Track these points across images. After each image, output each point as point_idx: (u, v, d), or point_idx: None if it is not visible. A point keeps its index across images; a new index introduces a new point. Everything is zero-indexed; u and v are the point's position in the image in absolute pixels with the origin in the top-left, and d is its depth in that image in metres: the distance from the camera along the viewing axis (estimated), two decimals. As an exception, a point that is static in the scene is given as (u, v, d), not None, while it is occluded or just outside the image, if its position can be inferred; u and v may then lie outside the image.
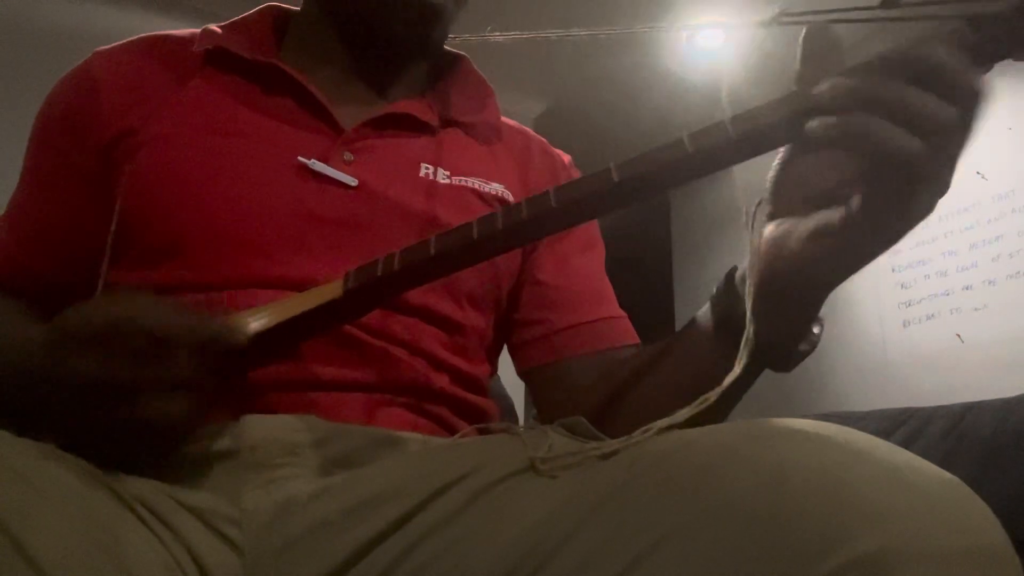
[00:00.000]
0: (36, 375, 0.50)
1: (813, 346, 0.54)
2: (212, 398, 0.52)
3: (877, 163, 0.42)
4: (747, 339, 0.48)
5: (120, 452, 0.50)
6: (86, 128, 0.66)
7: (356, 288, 0.55)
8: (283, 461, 0.53)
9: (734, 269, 0.56)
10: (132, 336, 0.48)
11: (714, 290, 0.57)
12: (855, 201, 0.44)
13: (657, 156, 0.47)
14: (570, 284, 0.73)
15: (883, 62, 0.41)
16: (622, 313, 0.74)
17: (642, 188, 0.48)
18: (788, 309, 0.50)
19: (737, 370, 0.47)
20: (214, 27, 0.70)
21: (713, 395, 0.46)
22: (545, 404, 0.72)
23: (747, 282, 0.50)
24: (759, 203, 0.51)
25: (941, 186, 0.42)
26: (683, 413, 0.45)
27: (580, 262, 0.75)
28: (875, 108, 0.40)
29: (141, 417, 0.48)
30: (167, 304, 0.52)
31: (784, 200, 0.50)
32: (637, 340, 0.73)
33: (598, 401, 0.64)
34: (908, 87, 0.40)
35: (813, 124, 0.42)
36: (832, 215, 0.46)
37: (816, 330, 0.54)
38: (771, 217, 0.51)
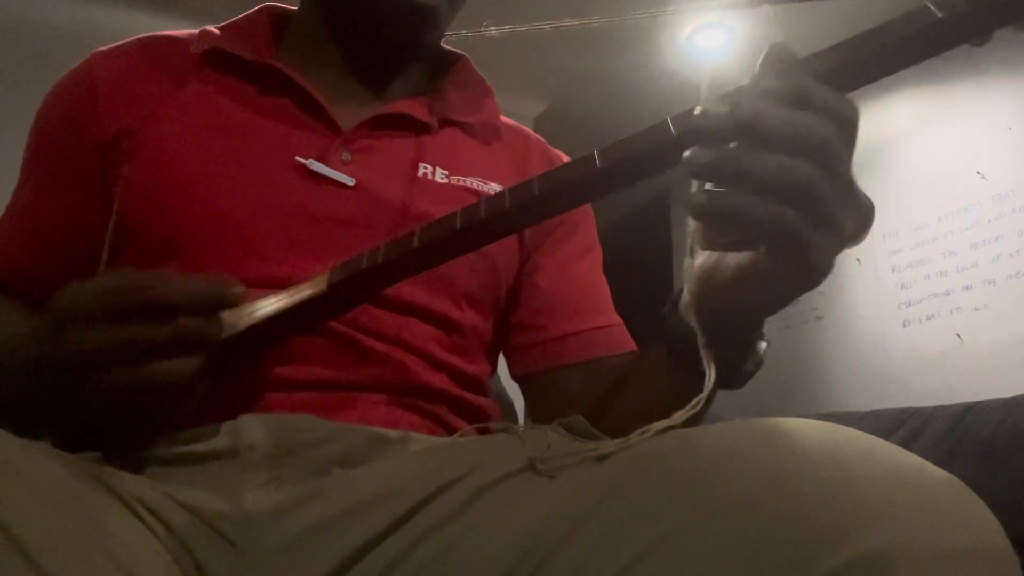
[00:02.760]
0: (39, 358, 0.50)
1: (758, 365, 0.54)
2: (205, 389, 0.52)
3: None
4: (709, 359, 0.48)
5: (125, 424, 0.50)
6: (85, 129, 0.67)
7: (341, 282, 0.55)
8: (282, 461, 0.53)
9: (682, 289, 0.55)
10: (132, 300, 0.49)
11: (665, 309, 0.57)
12: (759, 249, 0.44)
13: (641, 140, 0.46)
14: (568, 291, 0.73)
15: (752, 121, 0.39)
16: (618, 320, 0.74)
17: (626, 174, 0.47)
18: (725, 331, 0.50)
19: (710, 383, 0.47)
20: (212, 28, 0.71)
21: (702, 398, 0.46)
22: (536, 410, 0.72)
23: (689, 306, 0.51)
24: (694, 228, 0.49)
25: (834, 238, 0.42)
26: (679, 415, 0.45)
27: (579, 268, 0.75)
28: (740, 183, 0.40)
29: (148, 377, 0.48)
30: (161, 272, 0.52)
31: (709, 231, 0.49)
32: (633, 347, 0.73)
33: (584, 411, 0.64)
34: (774, 156, 0.39)
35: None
36: (745, 258, 0.46)
37: (762, 347, 0.54)
38: (703, 245, 0.50)
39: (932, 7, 0.42)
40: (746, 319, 0.51)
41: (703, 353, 0.48)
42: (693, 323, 0.50)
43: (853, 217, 0.42)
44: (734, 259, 0.47)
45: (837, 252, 0.42)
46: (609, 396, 0.63)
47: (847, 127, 0.40)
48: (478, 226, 0.51)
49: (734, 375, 0.54)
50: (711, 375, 0.47)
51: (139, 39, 0.72)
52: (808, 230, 0.40)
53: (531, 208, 0.50)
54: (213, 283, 0.52)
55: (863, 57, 0.43)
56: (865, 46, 0.43)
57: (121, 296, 0.49)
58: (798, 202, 0.39)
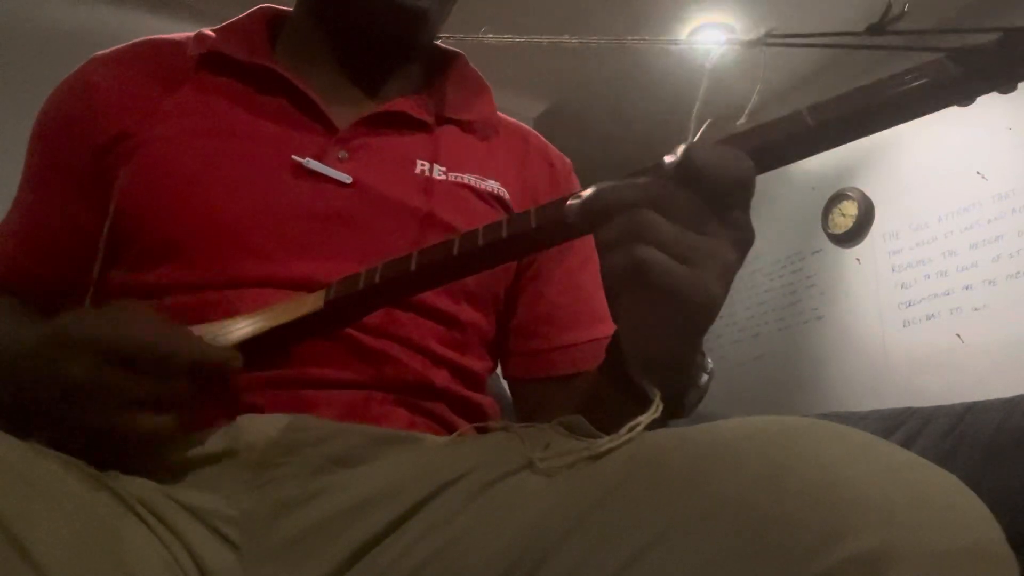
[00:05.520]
0: (27, 373, 0.50)
1: (701, 396, 0.55)
2: (199, 407, 0.53)
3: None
4: (645, 382, 0.49)
5: (104, 456, 0.51)
6: (82, 132, 0.67)
7: (337, 301, 0.55)
8: (282, 460, 0.53)
9: None
10: (131, 349, 0.49)
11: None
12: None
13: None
14: (571, 301, 0.73)
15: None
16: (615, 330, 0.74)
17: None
18: (651, 366, 0.50)
19: (654, 395, 0.47)
20: (208, 31, 0.71)
21: (657, 403, 0.46)
22: (526, 415, 0.72)
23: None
24: None
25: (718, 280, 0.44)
26: (651, 408, 0.45)
27: (582, 278, 0.75)
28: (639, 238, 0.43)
29: (128, 428, 0.49)
30: (167, 319, 0.53)
31: None
32: None
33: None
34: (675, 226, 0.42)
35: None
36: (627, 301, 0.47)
37: (704, 379, 0.54)
38: None
39: (923, 71, 0.43)
40: (659, 356, 0.50)
41: (631, 374, 0.50)
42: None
43: (725, 257, 0.44)
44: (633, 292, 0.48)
45: (711, 291, 0.43)
46: (581, 406, 0.63)
47: (731, 185, 0.43)
48: (475, 253, 0.51)
49: (675, 406, 0.53)
50: (653, 391, 0.47)
51: (136, 43, 0.73)
52: (668, 271, 0.42)
53: (528, 239, 0.51)
54: (216, 353, 0.52)
55: (854, 114, 0.45)
56: (851, 106, 0.45)
57: (127, 342, 0.50)
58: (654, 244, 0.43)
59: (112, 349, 0.49)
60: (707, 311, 0.44)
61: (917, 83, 0.43)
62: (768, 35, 1.82)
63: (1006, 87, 0.44)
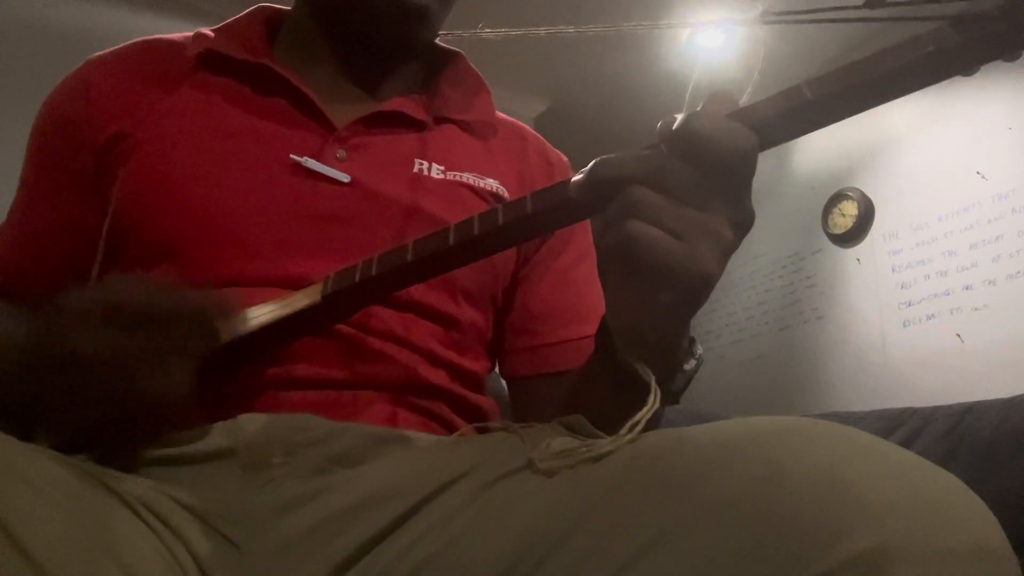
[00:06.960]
0: (35, 357, 0.50)
1: (687, 381, 0.55)
2: (202, 394, 0.53)
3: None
4: (640, 364, 0.49)
5: (115, 432, 0.51)
6: (80, 133, 0.67)
7: (334, 293, 0.55)
8: (282, 460, 0.53)
9: None
10: (132, 309, 0.49)
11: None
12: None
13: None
14: (565, 298, 0.73)
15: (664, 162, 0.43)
16: None
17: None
18: (639, 347, 0.50)
19: (649, 378, 0.47)
20: (206, 30, 0.71)
21: (655, 390, 0.46)
22: (521, 413, 0.72)
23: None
24: None
25: (714, 257, 0.44)
26: (649, 401, 0.46)
27: (575, 275, 0.75)
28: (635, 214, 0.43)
29: (140, 387, 0.49)
30: (162, 282, 0.54)
31: None
32: None
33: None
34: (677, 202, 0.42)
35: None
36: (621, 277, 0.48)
37: (689, 366, 0.54)
38: None
39: (923, 40, 0.42)
40: (650, 336, 0.50)
41: (621, 357, 0.49)
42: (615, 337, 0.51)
43: (725, 230, 0.44)
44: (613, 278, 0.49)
45: (705, 267, 0.43)
46: (575, 401, 0.63)
47: (732, 157, 0.42)
48: (471, 241, 0.51)
49: (661, 391, 0.53)
50: (648, 374, 0.47)
51: (134, 43, 0.73)
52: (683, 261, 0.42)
53: (524, 225, 0.50)
54: (211, 297, 0.52)
55: (854, 86, 0.44)
56: (851, 78, 0.44)
57: (127, 305, 0.49)
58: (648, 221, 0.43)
59: (110, 313, 0.49)
60: (701, 287, 0.44)
61: (918, 53, 0.42)
62: (765, 13, 1.82)
63: (1010, 55, 0.42)
